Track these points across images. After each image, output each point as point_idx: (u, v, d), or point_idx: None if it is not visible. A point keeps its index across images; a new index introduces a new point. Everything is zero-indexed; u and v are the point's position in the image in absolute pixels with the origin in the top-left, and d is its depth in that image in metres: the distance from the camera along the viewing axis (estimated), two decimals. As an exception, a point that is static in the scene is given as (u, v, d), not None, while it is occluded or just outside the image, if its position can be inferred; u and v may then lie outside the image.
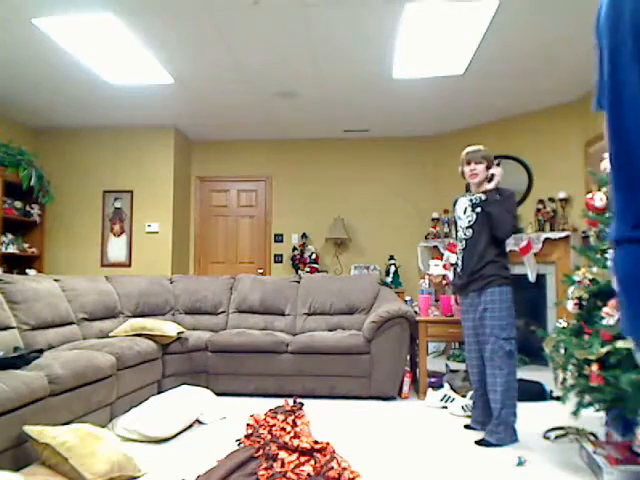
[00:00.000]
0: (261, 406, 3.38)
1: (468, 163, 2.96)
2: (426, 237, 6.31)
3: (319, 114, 5.83)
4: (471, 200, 2.97)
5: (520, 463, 2.48)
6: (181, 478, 2.28)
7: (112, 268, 6.08)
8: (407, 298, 4.62)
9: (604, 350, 2.15)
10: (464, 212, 3.00)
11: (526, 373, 4.25)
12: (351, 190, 6.71)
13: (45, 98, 5.28)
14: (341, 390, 3.81)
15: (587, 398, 2.39)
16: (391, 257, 6.37)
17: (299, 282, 4.71)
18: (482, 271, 2.85)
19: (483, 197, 2.91)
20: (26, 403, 2.31)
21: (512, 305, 2.84)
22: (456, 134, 6.33)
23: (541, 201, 5.37)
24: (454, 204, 3.15)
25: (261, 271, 6.66)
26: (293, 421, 2.91)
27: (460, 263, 2.99)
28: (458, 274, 3.03)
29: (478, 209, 2.91)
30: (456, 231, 3.11)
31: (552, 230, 5.20)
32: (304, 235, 6.59)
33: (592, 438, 2.65)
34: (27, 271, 5.51)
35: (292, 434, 2.66)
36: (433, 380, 4.00)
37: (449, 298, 3.91)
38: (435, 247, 6.12)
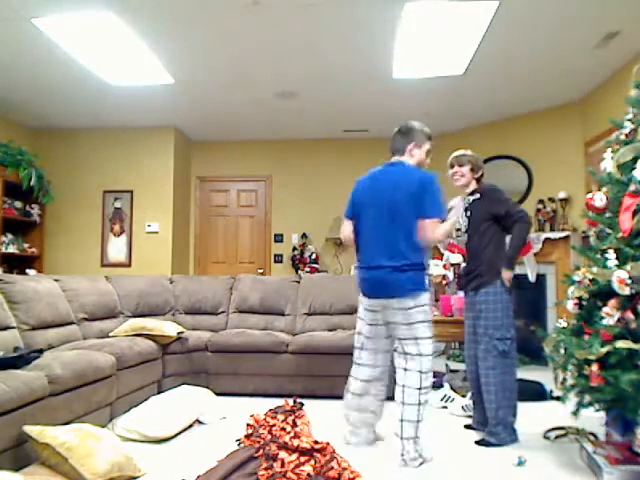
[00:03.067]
0: (261, 406, 3.37)
1: (451, 166, 3.00)
2: (426, 237, 6.30)
3: (319, 114, 5.82)
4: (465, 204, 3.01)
5: (520, 463, 2.48)
6: (181, 478, 2.28)
7: (112, 268, 6.08)
8: (407, 298, 4.61)
9: (604, 350, 2.15)
10: (462, 216, 3.03)
11: (526, 373, 4.25)
12: (351, 190, 6.69)
13: (45, 98, 5.28)
14: (341, 390, 3.80)
15: (587, 398, 2.39)
16: (391, 257, 6.36)
17: (299, 282, 4.70)
18: (477, 271, 2.87)
19: (471, 199, 2.96)
20: (26, 403, 2.31)
21: (509, 305, 2.80)
22: (456, 134, 6.32)
23: (541, 201, 5.37)
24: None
25: (261, 271, 6.66)
26: (293, 421, 2.90)
27: (464, 262, 3.06)
28: (464, 271, 3.08)
29: (468, 212, 2.95)
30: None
31: (552, 230, 5.20)
32: (304, 235, 6.59)
33: (592, 438, 2.65)
34: (27, 271, 5.51)
35: (292, 434, 2.65)
36: (433, 380, 3.98)
37: (449, 298, 3.91)
38: (435, 247, 6.11)
